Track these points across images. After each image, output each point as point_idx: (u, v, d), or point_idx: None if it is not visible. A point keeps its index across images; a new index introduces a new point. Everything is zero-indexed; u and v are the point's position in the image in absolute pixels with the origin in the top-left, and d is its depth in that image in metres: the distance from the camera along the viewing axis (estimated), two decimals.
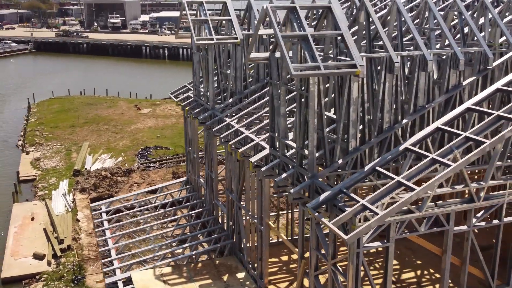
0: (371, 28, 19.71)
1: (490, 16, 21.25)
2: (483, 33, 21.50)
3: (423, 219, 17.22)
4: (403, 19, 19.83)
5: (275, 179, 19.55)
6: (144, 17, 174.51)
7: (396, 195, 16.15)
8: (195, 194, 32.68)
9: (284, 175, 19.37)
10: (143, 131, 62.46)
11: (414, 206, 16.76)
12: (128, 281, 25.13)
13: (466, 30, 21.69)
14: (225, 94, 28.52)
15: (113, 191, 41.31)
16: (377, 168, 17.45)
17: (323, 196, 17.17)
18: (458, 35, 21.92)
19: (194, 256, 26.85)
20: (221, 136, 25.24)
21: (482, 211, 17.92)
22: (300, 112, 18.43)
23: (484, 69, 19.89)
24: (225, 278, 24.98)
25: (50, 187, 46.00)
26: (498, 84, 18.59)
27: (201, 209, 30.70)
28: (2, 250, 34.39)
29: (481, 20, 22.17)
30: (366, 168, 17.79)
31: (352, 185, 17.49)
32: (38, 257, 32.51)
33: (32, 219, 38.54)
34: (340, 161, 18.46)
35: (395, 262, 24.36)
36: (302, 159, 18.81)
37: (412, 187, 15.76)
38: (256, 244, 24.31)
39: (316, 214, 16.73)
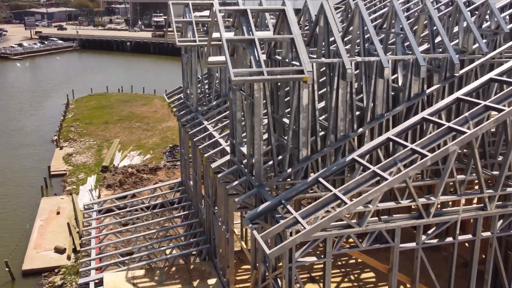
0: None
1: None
2: (456, 40, 20.40)
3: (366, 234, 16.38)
4: (365, 27, 18.96)
5: (226, 186, 19.06)
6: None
7: (332, 209, 15.39)
8: (186, 196, 32.48)
9: (235, 182, 18.87)
10: (174, 129, 62.96)
11: (354, 221, 15.96)
12: (100, 282, 25.08)
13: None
14: (210, 96, 28.15)
15: (137, 188, 41.69)
16: (320, 179, 16.69)
17: (262, 207, 16.59)
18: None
19: (169, 260, 26.60)
20: (194, 139, 24.90)
21: (434, 228, 16.89)
22: (248, 119, 17.86)
23: (450, 76, 18.79)
24: (195, 283, 24.61)
25: (78, 182, 46.97)
26: (458, 93, 17.50)
27: (187, 212, 30.48)
28: (26, 242, 35.53)
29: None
30: (310, 178, 17.05)
31: (293, 196, 16.82)
32: (59, 251, 33.41)
33: (58, 213, 39.52)
34: (289, 170, 17.81)
35: (371, 274, 23.47)
36: (253, 166, 18.24)
37: (345, 201, 14.99)
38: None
39: (250, 225, 16.14)
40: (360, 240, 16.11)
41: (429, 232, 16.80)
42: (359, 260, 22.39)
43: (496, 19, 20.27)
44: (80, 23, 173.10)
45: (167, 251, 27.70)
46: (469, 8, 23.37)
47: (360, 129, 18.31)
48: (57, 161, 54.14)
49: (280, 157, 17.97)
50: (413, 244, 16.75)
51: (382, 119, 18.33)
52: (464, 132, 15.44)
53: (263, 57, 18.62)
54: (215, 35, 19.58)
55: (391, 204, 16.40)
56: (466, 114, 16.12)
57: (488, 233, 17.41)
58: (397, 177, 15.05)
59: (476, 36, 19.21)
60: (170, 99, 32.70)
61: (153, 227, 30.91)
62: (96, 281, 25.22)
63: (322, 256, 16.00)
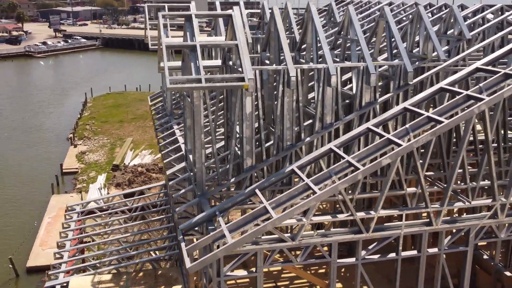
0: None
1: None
2: (417, 49, 19.70)
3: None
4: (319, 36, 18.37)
5: (173, 195, 18.72)
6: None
7: (262, 222, 14.90)
8: (168, 199, 32.23)
9: (182, 191, 18.51)
10: None
11: (288, 235, 15.46)
12: (66, 286, 24.96)
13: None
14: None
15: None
16: (256, 190, 16.21)
17: (196, 218, 16.19)
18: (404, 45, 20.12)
19: (138, 265, 26.37)
20: (160, 144, 24.61)
21: (375, 243, 16.26)
22: (192, 126, 17.49)
23: (404, 84, 18.10)
24: None
25: (89, 180, 47.16)
26: (406, 103, 16.81)
27: (165, 216, 30.23)
28: (32, 239, 35.53)
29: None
30: (248, 189, 16.59)
31: (229, 208, 16.38)
32: None
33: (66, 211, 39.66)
34: (232, 180, 17.39)
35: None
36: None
37: (271, 214, 14.50)
38: None
39: (180, 237, 15.77)
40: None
41: (370, 247, 16.16)
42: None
43: (459, 26, 19.43)
44: (104, 22, 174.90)
45: (138, 256, 27.47)
46: (445, 12, 22.61)
47: (308, 138, 17.74)
48: (70, 159, 54.48)
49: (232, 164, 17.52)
50: (352, 260, 16.15)
51: (331, 128, 17.71)
52: (400, 145, 14.77)
53: (210, 62, 18.33)
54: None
55: (327, 218, 15.83)
56: (407, 125, 15.47)
57: (435, 250, 16.69)
58: (326, 190, 14.50)
59: (434, 43, 18.45)
60: (152, 102, 32.43)
61: (131, 230, 30.72)
62: (64, 284, 25.10)
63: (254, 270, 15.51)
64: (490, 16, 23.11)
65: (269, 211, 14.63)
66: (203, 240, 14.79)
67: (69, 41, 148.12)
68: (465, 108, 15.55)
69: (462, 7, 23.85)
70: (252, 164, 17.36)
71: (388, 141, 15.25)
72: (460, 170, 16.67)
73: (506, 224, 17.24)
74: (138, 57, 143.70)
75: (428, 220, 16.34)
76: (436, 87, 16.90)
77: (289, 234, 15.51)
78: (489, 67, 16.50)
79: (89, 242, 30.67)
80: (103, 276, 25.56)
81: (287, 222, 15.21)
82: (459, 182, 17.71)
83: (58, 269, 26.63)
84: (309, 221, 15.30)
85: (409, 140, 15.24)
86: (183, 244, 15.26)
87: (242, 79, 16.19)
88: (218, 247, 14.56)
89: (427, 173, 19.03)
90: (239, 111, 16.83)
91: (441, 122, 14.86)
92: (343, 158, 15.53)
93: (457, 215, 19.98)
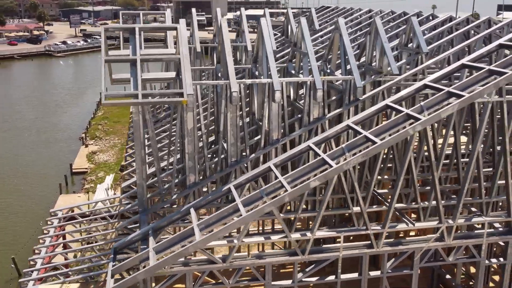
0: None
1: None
2: (372, 63, 19.05)
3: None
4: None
5: (120, 209, 18.44)
6: (230, 15, 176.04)
7: (189, 243, 14.52)
8: None
9: (128, 206, 18.25)
10: None
11: (219, 256, 15.07)
12: None
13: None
14: (159, 109, 27.61)
15: None
16: (191, 209, 15.83)
17: (132, 236, 15.89)
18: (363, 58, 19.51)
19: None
20: (125, 155, 24.39)
21: (312, 266, 15.76)
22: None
23: (354, 100, 17.52)
24: None
25: (97, 181, 47.32)
26: (349, 121, 16.25)
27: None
28: (37, 240, 36.04)
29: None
30: (183, 208, 16.22)
31: (165, 226, 16.04)
32: None
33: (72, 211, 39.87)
34: (174, 196, 17.07)
35: None
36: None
37: (196, 236, 14.11)
38: None
39: (111, 256, 15.48)
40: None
41: (307, 269, 15.67)
42: None
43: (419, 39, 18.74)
44: (124, 21, 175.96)
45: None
46: (419, 18, 21.91)
47: (252, 155, 17.31)
48: (80, 158, 54.70)
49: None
50: (288, 282, 15.67)
51: (277, 144, 17.24)
52: (331, 166, 14.25)
53: (166, 74, 18.01)
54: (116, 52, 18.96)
55: (259, 240, 15.39)
56: (343, 145, 14.92)
57: (377, 273, 16.11)
58: (252, 213, 14.05)
59: (388, 57, 17.82)
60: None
61: (110, 237, 30.54)
62: None
63: None
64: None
65: (194, 232, 14.22)
66: (130, 260, 14.49)
67: (89, 40, 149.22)
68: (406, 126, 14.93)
69: (433, 16, 23.12)
70: (195, 181, 16.99)
71: (323, 161, 14.72)
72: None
73: (456, 247, 16.54)
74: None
75: (369, 242, 15.73)
76: (382, 103, 16.29)
77: (220, 256, 15.07)
78: (435, 84, 15.82)
79: (67, 249, 30.61)
80: (71, 285, 25.42)
81: (216, 244, 14.83)
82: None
83: (29, 277, 26.57)
84: (240, 242, 14.87)
85: (345, 159, 14.68)
86: (110, 264, 14.95)
87: (181, 95, 15.83)
88: (144, 267, 14.23)
89: (382, 191, 18.49)
90: (182, 126, 16.48)
91: (374, 142, 14.27)
92: (277, 178, 15.04)
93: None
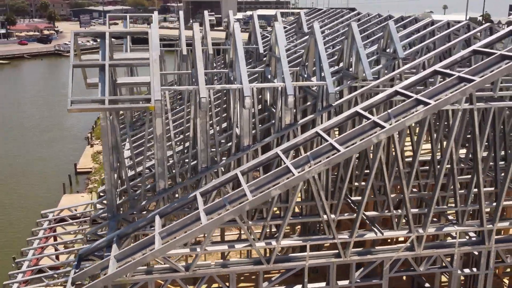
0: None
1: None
2: (350, 69, 18.79)
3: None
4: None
5: (92, 215, 18.35)
6: (240, 15, 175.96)
7: (150, 251, 14.35)
8: None
9: (100, 211, 18.10)
10: None
11: (182, 264, 14.90)
12: None
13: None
14: (137, 113, 27.46)
15: None
16: (156, 216, 15.66)
17: (97, 242, 15.77)
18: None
19: None
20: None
21: (279, 275, 15.53)
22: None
23: (327, 106, 17.27)
24: None
25: (100, 181, 47.39)
26: (319, 128, 16.00)
27: None
28: None
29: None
30: (150, 214, 16.06)
31: (130, 233, 15.90)
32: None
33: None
34: (144, 202, 16.93)
35: None
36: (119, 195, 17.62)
37: (155, 244, 13.94)
38: None
39: (75, 264, 15.38)
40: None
41: (273, 279, 15.45)
42: None
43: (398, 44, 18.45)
44: (134, 21, 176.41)
45: None
46: (403, 22, 21.58)
47: (223, 161, 17.12)
48: (85, 158, 54.78)
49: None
50: None
51: (248, 151, 17.04)
52: (293, 175, 14.02)
53: (141, 79, 17.89)
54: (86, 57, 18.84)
55: (223, 248, 15.20)
56: (309, 153, 14.68)
57: (345, 282, 15.84)
58: (213, 221, 13.85)
59: (363, 62, 17.56)
60: None
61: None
62: None
63: None
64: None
65: (155, 240, 14.06)
66: (91, 268, 14.40)
67: (98, 40, 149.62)
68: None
69: (416, 20, 22.78)
70: (165, 187, 16.84)
71: (287, 169, 14.49)
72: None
73: (427, 257, 16.23)
74: (166, 56, 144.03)
75: (337, 251, 15.48)
76: (352, 110, 16.02)
77: (182, 264, 14.89)
78: (406, 91, 15.52)
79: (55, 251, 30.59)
80: None
81: (177, 252, 14.66)
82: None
83: (14, 279, 26.56)
84: (203, 251, 14.68)
85: (310, 167, 14.45)
86: (72, 271, 14.85)
87: (149, 100, 15.70)
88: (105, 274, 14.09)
89: (355, 198, 18.24)
90: (153, 132, 16.33)
91: (338, 151, 14.02)
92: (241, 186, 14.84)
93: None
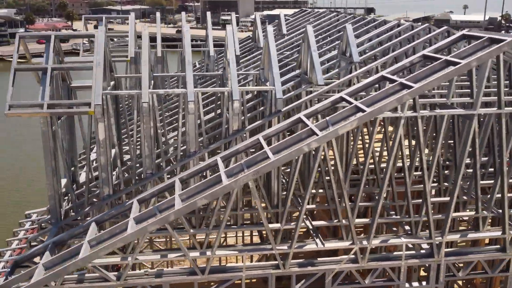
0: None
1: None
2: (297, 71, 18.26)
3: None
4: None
5: (39, 220, 18.13)
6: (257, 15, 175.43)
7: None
8: None
9: (48, 217, 17.88)
10: None
11: (114, 273, 14.56)
12: None
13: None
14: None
15: None
16: (92, 224, 15.34)
17: (34, 249, 15.54)
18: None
19: None
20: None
21: (215, 285, 15.10)
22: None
23: (276, 111, 16.78)
24: None
25: None
26: (261, 134, 15.53)
27: None
28: None
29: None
30: (86, 222, 15.76)
31: (65, 241, 15.61)
32: None
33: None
34: (87, 209, 16.66)
35: None
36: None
37: (80, 253, 13.61)
38: None
39: (7, 270, 15.14)
40: None
41: None
42: None
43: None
44: (151, 20, 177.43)
45: None
46: (374, 23, 20.95)
47: (168, 168, 16.76)
48: None
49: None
50: None
51: (194, 157, 16.64)
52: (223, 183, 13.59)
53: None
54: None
55: (155, 258, 14.83)
56: (243, 161, 14.23)
57: None
58: (134, 232, 13.47)
59: (315, 66, 17.04)
60: None
61: None
62: None
63: None
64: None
65: (82, 249, 13.74)
66: (19, 276, 14.17)
67: (115, 39, 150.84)
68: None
69: (385, 21, 22.11)
70: (109, 193, 16.53)
71: (219, 178, 14.05)
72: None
73: (372, 269, 15.64)
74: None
75: (276, 262, 14.99)
76: (295, 117, 15.51)
77: (114, 273, 14.53)
78: (349, 98, 14.95)
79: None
80: None
81: (107, 261, 14.33)
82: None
83: None
84: (134, 260, 14.32)
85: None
86: (1, 279, 14.61)
87: (89, 105, 15.44)
88: None
89: (310, 206, 17.71)
90: (95, 137, 16.04)
91: (267, 161, 13.55)
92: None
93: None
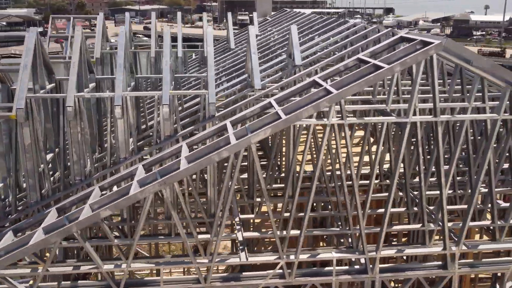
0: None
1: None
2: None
3: None
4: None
5: None
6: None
7: None
8: None
9: None
10: None
11: (25, 285, 13.98)
12: None
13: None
14: None
15: None
16: (10, 232, 14.75)
17: None
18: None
19: None
20: None
21: None
22: None
23: (210, 116, 16.05)
24: None
25: None
26: (186, 141, 14.79)
27: None
28: None
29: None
30: (5, 230, 15.17)
31: None
32: None
33: None
34: (14, 215, 16.14)
35: None
36: None
37: None
38: None
39: None
40: None
41: None
42: None
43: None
44: (169, 20, 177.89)
45: None
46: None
47: (97, 174, 16.13)
48: None
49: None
50: None
51: (123, 163, 15.99)
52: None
53: None
54: None
55: (67, 270, 14.19)
56: (157, 170, 13.51)
57: None
58: (36, 242, 12.85)
59: (253, 70, 16.26)
60: None
61: None
62: None
63: None
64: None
65: None
66: None
67: (133, 39, 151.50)
68: None
69: (346, 22, 21.16)
70: (37, 199, 15.99)
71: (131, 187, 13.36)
72: None
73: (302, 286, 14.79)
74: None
75: (196, 276, 14.25)
76: (222, 123, 14.73)
77: (25, 284, 13.94)
78: (276, 104, 14.10)
79: None
80: None
81: (16, 272, 13.76)
82: None
83: None
84: (45, 272, 13.72)
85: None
86: None
87: (10, 109, 14.91)
88: None
89: (247, 216, 16.95)
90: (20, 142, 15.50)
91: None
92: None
93: None
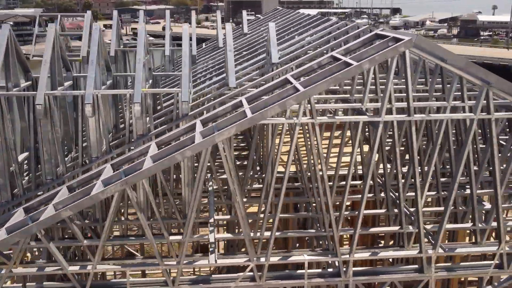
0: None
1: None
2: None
3: None
4: None
5: None
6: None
7: None
8: None
9: None
10: None
11: None
12: None
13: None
14: None
15: None
16: None
17: None
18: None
19: None
20: None
21: None
22: None
23: (183, 115, 15.72)
24: None
25: None
26: (156, 140, 14.46)
27: None
28: None
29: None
30: None
31: None
32: None
33: None
34: None
35: None
36: None
37: None
38: None
39: None
40: None
41: None
42: None
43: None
44: (175, 20, 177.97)
45: None
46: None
47: (68, 173, 15.84)
48: None
49: None
50: None
51: (95, 163, 15.68)
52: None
53: None
54: None
55: (31, 271, 13.90)
56: (122, 169, 13.20)
57: None
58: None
59: (228, 68, 15.92)
60: None
61: None
62: None
63: None
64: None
65: None
66: None
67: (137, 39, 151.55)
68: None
69: (328, 20, 20.76)
70: (8, 199, 15.73)
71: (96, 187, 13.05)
72: None
73: None
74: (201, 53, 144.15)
75: (164, 278, 13.92)
76: (193, 122, 14.40)
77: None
78: (246, 103, 13.75)
79: None
80: None
81: None
82: None
83: None
84: (9, 273, 13.45)
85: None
86: None
87: None
88: None
89: (222, 217, 16.59)
90: None
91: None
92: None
93: None
